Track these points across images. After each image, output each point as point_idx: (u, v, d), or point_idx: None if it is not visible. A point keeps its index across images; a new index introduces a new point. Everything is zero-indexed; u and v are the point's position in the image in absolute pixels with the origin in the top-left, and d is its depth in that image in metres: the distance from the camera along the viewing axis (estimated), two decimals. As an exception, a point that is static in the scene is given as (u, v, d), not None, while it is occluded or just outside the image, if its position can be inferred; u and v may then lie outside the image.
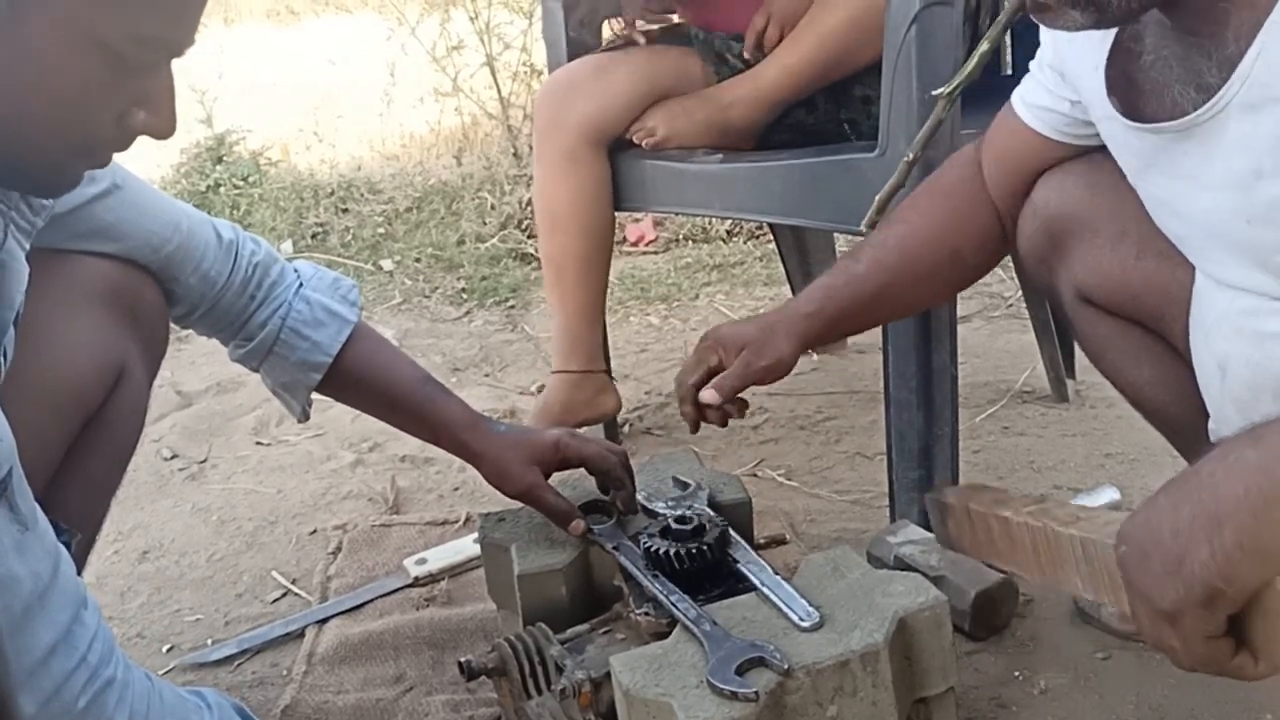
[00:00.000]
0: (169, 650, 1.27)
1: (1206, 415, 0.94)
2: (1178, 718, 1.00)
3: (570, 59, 1.59)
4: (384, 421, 1.14)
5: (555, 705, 0.91)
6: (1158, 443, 1.14)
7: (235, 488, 1.68)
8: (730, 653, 0.80)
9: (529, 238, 2.74)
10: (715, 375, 1.05)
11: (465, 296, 2.55)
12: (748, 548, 0.98)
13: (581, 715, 0.88)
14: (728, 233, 2.80)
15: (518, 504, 1.13)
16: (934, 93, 0.94)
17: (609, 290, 1.71)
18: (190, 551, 1.50)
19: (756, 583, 0.91)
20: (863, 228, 0.91)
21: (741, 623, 0.85)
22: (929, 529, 1.32)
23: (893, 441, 1.32)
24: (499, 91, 3.32)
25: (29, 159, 0.69)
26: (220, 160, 3.27)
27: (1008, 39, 1.67)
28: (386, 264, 2.77)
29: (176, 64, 0.72)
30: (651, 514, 1.06)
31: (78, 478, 0.94)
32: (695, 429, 1.08)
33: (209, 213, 1.14)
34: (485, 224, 2.88)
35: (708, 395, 1.03)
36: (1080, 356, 1.72)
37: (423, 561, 1.35)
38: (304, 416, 1.11)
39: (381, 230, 2.93)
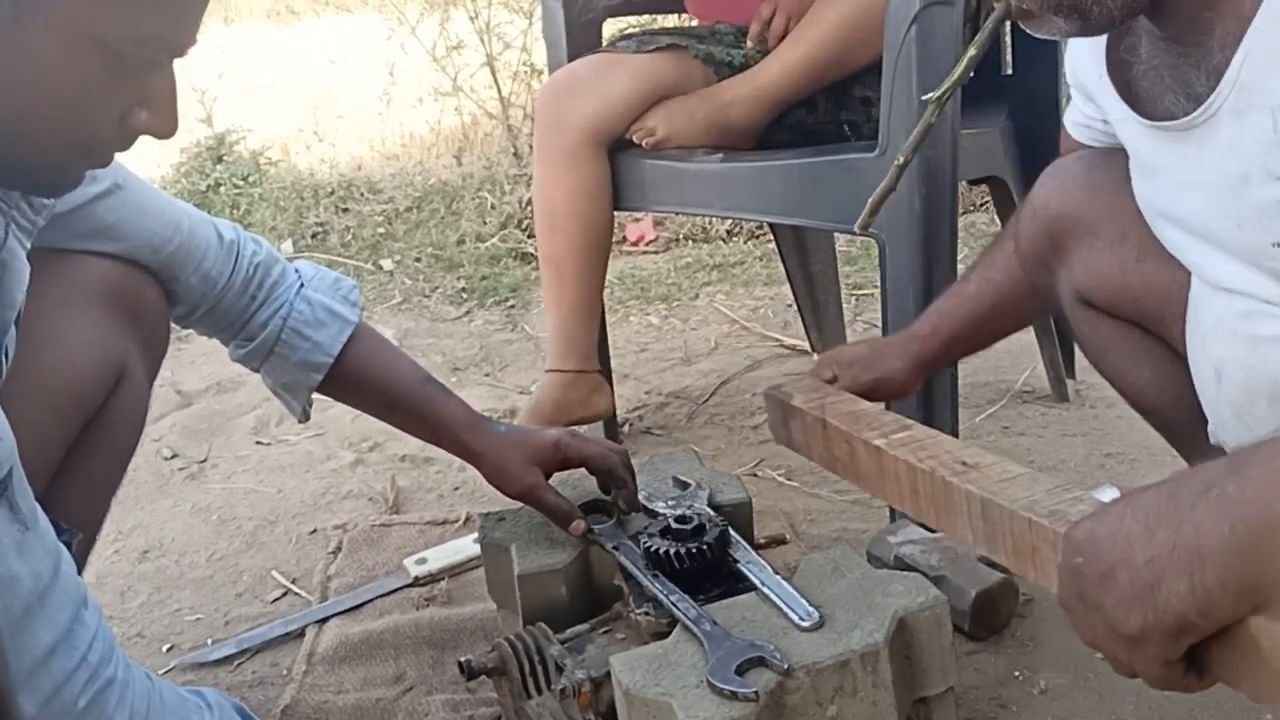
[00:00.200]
0: (169, 650, 1.27)
1: (1206, 418, 0.94)
2: (1177, 718, 1.00)
3: (570, 59, 1.59)
4: (384, 421, 1.14)
5: (555, 705, 0.91)
6: (1158, 443, 1.14)
7: (235, 487, 1.68)
8: (730, 652, 0.80)
9: (529, 237, 2.74)
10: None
11: (465, 296, 2.55)
12: (748, 547, 0.98)
13: (581, 715, 0.88)
14: (728, 232, 2.80)
15: (518, 504, 1.13)
16: (924, 97, 0.94)
17: (609, 290, 1.71)
18: (190, 551, 1.50)
19: (756, 582, 0.91)
20: (856, 229, 0.92)
21: (741, 622, 0.85)
22: (930, 529, 1.33)
23: (893, 441, 1.32)
24: (499, 91, 3.32)
25: (30, 159, 0.69)
26: (220, 160, 3.27)
27: (1007, 39, 1.67)
28: (386, 264, 2.77)
29: (176, 63, 0.72)
30: (651, 514, 1.06)
31: (78, 477, 0.94)
32: None
33: (209, 212, 1.14)
34: (485, 224, 2.88)
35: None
36: (1080, 356, 1.72)
37: (423, 561, 1.35)
38: (304, 417, 1.11)
39: (381, 230, 2.93)
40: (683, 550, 0.96)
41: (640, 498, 1.09)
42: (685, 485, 1.11)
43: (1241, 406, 0.88)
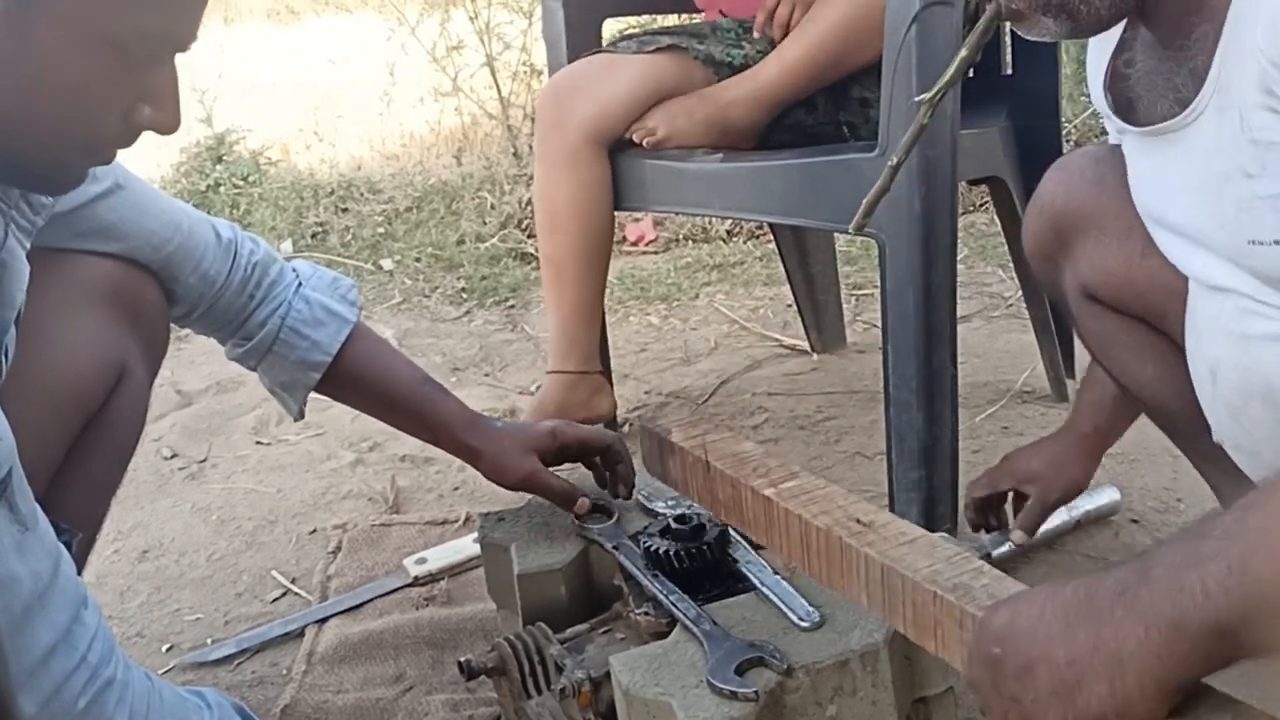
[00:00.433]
0: (169, 649, 1.27)
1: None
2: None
3: (570, 59, 1.59)
4: (382, 421, 1.14)
5: (555, 705, 0.91)
6: (1158, 442, 1.14)
7: (235, 487, 1.68)
8: (730, 652, 0.80)
9: (529, 237, 2.74)
10: (1000, 498, 1.25)
11: (465, 296, 2.55)
12: (748, 547, 0.98)
13: (581, 715, 0.88)
14: (728, 232, 2.80)
15: (517, 504, 1.13)
16: (917, 98, 0.94)
17: (609, 290, 1.71)
18: (190, 551, 1.50)
19: (756, 582, 0.91)
20: (850, 230, 0.93)
21: (741, 622, 0.85)
22: (929, 529, 1.32)
23: (892, 441, 1.32)
24: (499, 91, 3.32)
25: (35, 156, 0.70)
26: (220, 160, 3.27)
27: (1007, 39, 1.67)
28: (386, 263, 2.77)
29: (177, 62, 0.72)
30: (651, 513, 1.06)
31: (78, 477, 0.94)
32: (976, 530, 1.27)
33: (209, 212, 1.14)
34: (485, 224, 2.88)
35: (1018, 537, 1.22)
36: (1080, 356, 1.72)
37: (422, 561, 1.35)
38: (300, 415, 1.12)
39: (381, 230, 2.93)
40: (682, 550, 0.96)
41: (640, 497, 1.09)
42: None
43: (1236, 408, 0.88)
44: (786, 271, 2.03)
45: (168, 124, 0.71)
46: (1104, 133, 1.06)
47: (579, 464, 1.14)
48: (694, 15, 1.80)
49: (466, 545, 1.36)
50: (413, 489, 1.62)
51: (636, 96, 1.49)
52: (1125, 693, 0.55)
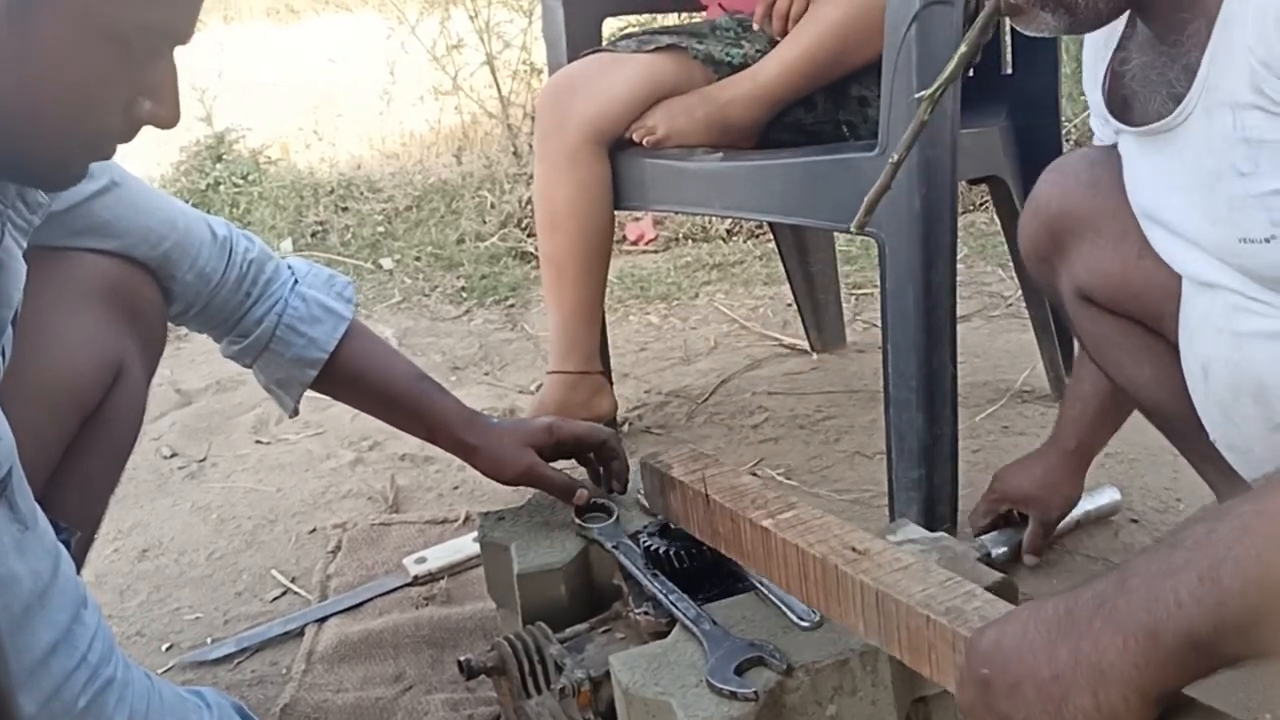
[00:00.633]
0: (168, 649, 1.27)
1: (1205, 417, 0.95)
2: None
3: (570, 58, 1.59)
4: (379, 418, 1.14)
5: (554, 704, 0.91)
6: (1157, 442, 1.14)
7: (235, 486, 1.68)
8: (729, 652, 0.80)
9: (529, 236, 2.74)
10: (1004, 520, 1.29)
11: (465, 295, 2.54)
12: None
13: (581, 714, 0.88)
14: (728, 231, 2.80)
15: (517, 503, 1.13)
16: (916, 95, 0.94)
17: (609, 289, 1.71)
18: (190, 550, 1.50)
19: (756, 581, 0.91)
20: (851, 229, 0.93)
21: (741, 622, 0.85)
22: (929, 528, 1.32)
23: (892, 441, 1.32)
24: (499, 90, 3.32)
25: (37, 153, 0.70)
26: (220, 158, 3.27)
27: (1007, 39, 1.67)
28: (386, 262, 2.77)
29: (176, 60, 0.72)
30: (651, 513, 1.06)
31: (76, 476, 0.94)
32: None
33: (209, 211, 1.14)
34: (485, 223, 2.88)
35: (1030, 560, 1.26)
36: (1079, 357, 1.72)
37: (422, 560, 1.35)
38: (295, 412, 1.12)
39: (381, 229, 2.93)
40: (682, 549, 0.96)
41: (638, 495, 1.09)
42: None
43: (1228, 405, 0.89)
44: (786, 271, 2.03)
45: (167, 118, 0.71)
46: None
47: (577, 462, 1.14)
48: (693, 14, 1.80)
49: (466, 544, 1.36)
50: (412, 488, 1.62)
51: (636, 96, 1.49)
52: (1110, 704, 0.56)
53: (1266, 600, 0.53)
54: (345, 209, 3.04)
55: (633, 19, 2.69)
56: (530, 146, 2.81)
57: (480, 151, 3.35)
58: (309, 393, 1.11)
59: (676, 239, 2.81)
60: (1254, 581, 0.53)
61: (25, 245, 0.79)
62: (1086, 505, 1.33)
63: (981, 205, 2.74)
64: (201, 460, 1.78)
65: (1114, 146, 0.98)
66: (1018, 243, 1.09)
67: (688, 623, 0.86)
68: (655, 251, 2.78)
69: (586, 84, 1.50)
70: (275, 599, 1.36)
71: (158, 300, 1.00)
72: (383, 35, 3.46)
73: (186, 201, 3.01)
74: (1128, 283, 0.98)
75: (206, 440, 1.85)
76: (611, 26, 2.09)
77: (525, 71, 3.33)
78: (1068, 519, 1.30)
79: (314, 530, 1.51)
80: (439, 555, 1.36)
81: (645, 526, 1.02)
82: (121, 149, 0.74)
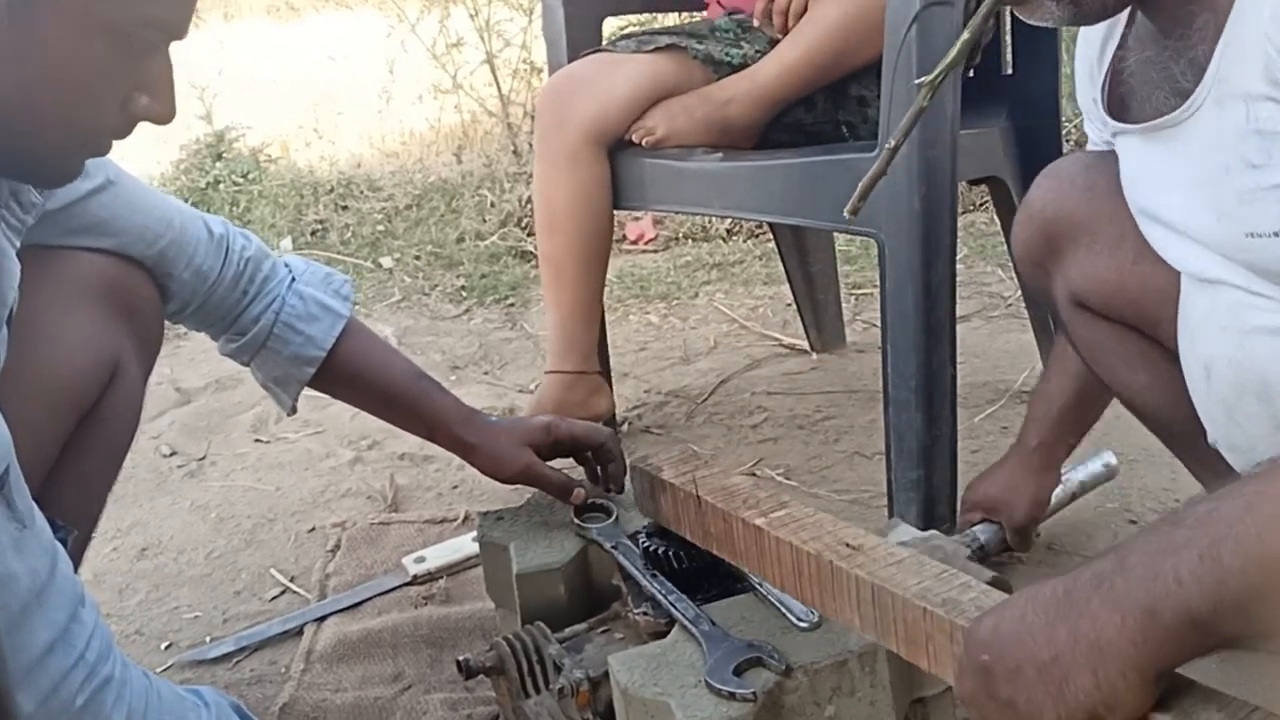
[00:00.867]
0: (167, 647, 1.27)
1: (1203, 422, 0.94)
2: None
3: (571, 58, 1.59)
4: (377, 416, 1.14)
5: (553, 704, 0.91)
6: (1156, 444, 1.14)
7: (234, 485, 1.68)
8: (728, 652, 0.80)
9: (528, 235, 2.74)
10: (983, 524, 1.26)
11: (465, 294, 2.54)
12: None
13: (579, 714, 0.88)
14: (727, 231, 2.80)
15: (516, 503, 1.13)
16: (916, 81, 0.94)
17: (608, 288, 1.71)
18: (189, 549, 1.50)
19: (755, 582, 0.91)
20: (845, 214, 0.93)
21: (740, 622, 0.85)
22: (928, 528, 1.32)
23: (891, 441, 1.32)
24: (499, 89, 3.32)
25: (35, 148, 0.70)
26: (220, 157, 3.27)
27: (1008, 39, 1.67)
28: (386, 261, 2.77)
29: (177, 61, 0.72)
30: (650, 513, 1.06)
31: (73, 475, 0.94)
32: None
33: (208, 209, 1.15)
34: (485, 221, 2.88)
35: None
36: (1079, 357, 1.72)
37: (421, 560, 1.35)
38: (292, 410, 1.12)
39: (381, 227, 2.93)
40: (681, 550, 0.96)
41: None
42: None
43: (1231, 404, 0.88)
44: (786, 270, 2.03)
45: (164, 114, 0.72)
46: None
47: (575, 462, 1.14)
48: (693, 15, 1.80)
49: (465, 544, 1.36)
50: (412, 487, 1.62)
51: (636, 96, 1.49)
52: (1110, 682, 0.56)
53: (1266, 578, 0.53)
54: (345, 207, 3.04)
55: (633, 18, 2.69)
56: (530, 145, 2.81)
57: (480, 150, 3.35)
58: (308, 391, 1.11)
59: (676, 238, 2.81)
60: (1254, 560, 0.53)
61: (19, 244, 0.79)
62: (1078, 475, 1.32)
63: (981, 205, 2.74)
64: (201, 459, 1.78)
65: (1109, 151, 0.98)
66: (1012, 247, 1.09)
67: (686, 623, 0.86)
68: (655, 251, 2.78)
69: (586, 84, 1.50)
70: (274, 598, 1.36)
71: (154, 298, 1.00)
72: (383, 33, 3.46)
73: (186, 200, 3.01)
74: (1123, 288, 0.98)
75: (206, 439, 1.85)
76: (611, 26, 2.09)
77: (525, 70, 3.32)
78: (1061, 493, 1.28)
79: (313, 529, 1.51)
80: (438, 555, 1.36)
81: (644, 527, 1.02)
82: (121, 147, 0.74)
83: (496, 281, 2.58)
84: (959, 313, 1.33)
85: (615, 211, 1.56)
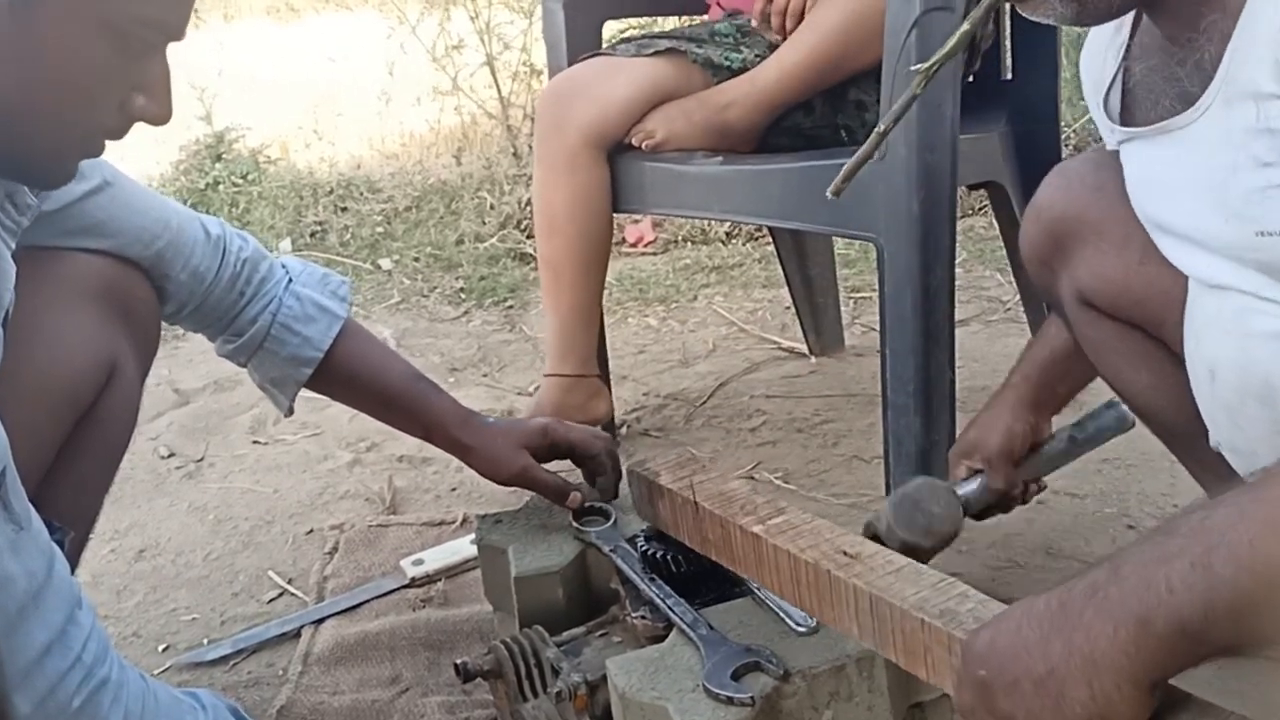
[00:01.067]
0: (165, 649, 1.27)
1: (1205, 424, 0.94)
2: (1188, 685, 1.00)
3: (571, 61, 1.59)
4: (374, 417, 1.14)
5: (551, 708, 0.91)
6: (1156, 448, 1.14)
7: (232, 487, 1.68)
8: (726, 657, 0.80)
9: (528, 238, 2.74)
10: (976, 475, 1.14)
11: (464, 296, 2.54)
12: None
13: (577, 718, 0.87)
14: (727, 234, 2.80)
15: (515, 506, 1.13)
16: (913, 67, 0.94)
17: (607, 291, 1.71)
18: (186, 550, 1.50)
19: (753, 586, 0.91)
20: (829, 194, 0.92)
21: (738, 627, 0.86)
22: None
23: (890, 445, 1.32)
24: (499, 91, 3.32)
25: (33, 149, 0.70)
26: (219, 158, 3.26)
27: (1007, 43, 1.67)
28: (385, 263, 2.77)
29: (176, 61, 0.72)
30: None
31: (70, 476, 0.94)
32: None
33: (208, 211, 1.15)
34: (484, 224, 2.88)
35: (995, 483, 1.12)
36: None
37: (419, 562, 1.35)
38: (290, 411, 1.12)
39: (380, 229, 2.93)
40: (679, 553, 0.96)
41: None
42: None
43: (1234, 408, 0.88)
44: (785, 274, 2.03)
45: (161, 115, 0.72)
46: (1101, 138, 1.05)
47: (573, 464, 1.14)
48: (693, 18, 1.80)
49: (463, 546, 1.36)
50: (410, 489, 1.62)
51: (635, 100, 1.49)
52: (1105, 694, 0.56)
53: (1258, 586, 0.53)
54: (344, 209, 3.03)
55: (633, 22, 2.69)
56: (530, 148, 2.81)
57: (480, 152, 3.35)
58: (306, 393, 1.11)
59: (676, 241, 2.81)
60: (1246, 567, 0.53)
61: (14, 246, 0.79)
62: (1072, 431, 1.18)
63: (980, 210, 2.74)
64: (199, 460, 1.78)
65: (1116, 152, 0.98)
66: (1019, 245, 1.08)
67: (685, 627, 0.86)
68: (654, 254, 2.77)
69: (586, 88, 1.50)
70: (272, 600, 1.36)
71: (151, 300, 1.00)
72: (383, 35, 3.45)
73: (185, 201, 3.01)
74: (1130, 288, 0.98)
75: (204, 440, 1.85)
76: (611, 29, 2.09)
77: (525, 73, 3.32)
78: (1056, 445, 1.17)
79: (311, 531, 1.51)
80: (436, 557, 1.36)
81: (643, 530, 1.02)
82: (121, 147, 0.75)
83: (495, 284, 2.58)
84: (958, 317, 1.33)
85: (614, 214, 1.56)
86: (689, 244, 2.80)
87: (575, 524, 1.06)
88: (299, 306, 1.06)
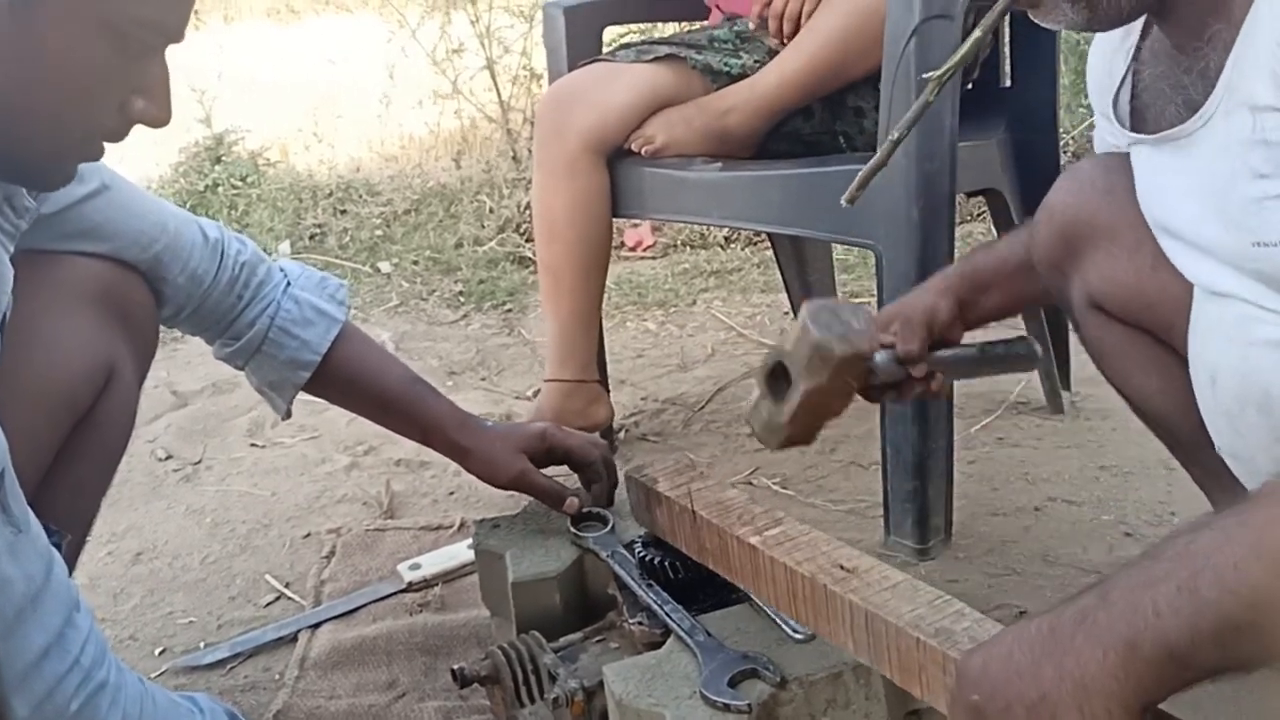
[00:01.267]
0: (161, 653, 1.27)
1: (1211, 429, 0.95)
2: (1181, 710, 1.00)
3: (571, 66, 1.60)
4: (372, 421, 1.15)
5: (548, 714, 0.91)
6: (1153, 456, 1.14)
7: (229, 490, 1.67)
8: (723, 664, 0.81)
9: (527, 241, 2.74)
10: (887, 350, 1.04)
11: (462, 300, 2.54)
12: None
13: (574, 724, 0.88)
14: (726, 239, 2.80)
15: (512, 511, 1.13)
16: (924, 75, 0.94)
17: (606, 295, 1.71)
18: (184, 553, 1.49)
19: (750, 593, 0.91)
20: (843, 202, 0.92)
21: (735, 633, 0.86)
22: (923, 540, 1.33)
23: (887, 452, 1.32)
24: (498, 95, 3.32)
25: (32, 150, 0.70)
26: (219, 160, 3.26)
27: (1006, 51, 1.68)
28: (384, 266, 2.77)
29: (176, 63, 0.72)
30: (646, 522, 1.06)
31: (67, 479, 0.94)
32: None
33: (207, 213, 1.15)
34: (483, 227, 2.88)
35: (917, 372, 1.02)
36: (1076, 368, 1.72)
37: (417, 566, 1.35)
38: (287, 414, 1.12)
39: (379, 232, 2.93)
40: (677, 560, 0.96)
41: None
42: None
43: (1234, 414, 0.89)
44: (784, 279, 2.03)
45: (160, 118, 0.72)
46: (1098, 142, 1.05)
47: (570, 469, 1.14)
48: (693, 24, 1.80)
49: (461, 551, 1.35)
50: (408, 493, 1.62)
51: (635, 106, 1.49)
52: (1096, 718, 0.56)
53: (1243, 610, 0.53)
54: (344, 212, 3.03)
55: (633, 27, 2.69)
56: (529, 151, 2.81)
57: (479, 156, 3.35)
58: (304, 396, 1.11)
59: (675, 245, 2.81)
60: (1231, 591, 0.53)
61: (12, 250, 0.79)
62: (985, 345, 1.11)
63: (979, 216, 2.74)
64: (196, 463, 1.77)
65: (1127, 155, 0.98)
66: (1030, 248, 1.08)
67: (682, 634, 0.86)
68: (653, 258, 2.78)
69: (586, 94, 1.51)
70: (269, 604, 1.36)
71: (149, 303, 1.01)
72: (383, 37, 3.45)
73: (184, 203, 3.01)
74: (1141, 293, 0.98)
75: (201, 443, 1.85)
76: (612, 34, 2.10)
77: (525, 77, 3.32)
78: (969, 348, 1.09)
79: (308, 535, 1.51)
80: (434, 562, 1.36)
81: (640, 536, 1.02)
82: (120, 149, 0.75)
83: (494, 287, 2.58)
84: (956, 324, 1.33)
85: (614, 219, 1.56)
86: (688, 248, 2.80)
87: (573, 529, 1.06)
88: (297, 310, 1.06)
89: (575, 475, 1.14)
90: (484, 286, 2.59)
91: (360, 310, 2.47)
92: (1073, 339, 1.48)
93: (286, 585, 1.39)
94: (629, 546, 1.02)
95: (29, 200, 0.82)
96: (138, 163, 3.09)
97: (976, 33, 0.86)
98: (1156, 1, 0.84)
